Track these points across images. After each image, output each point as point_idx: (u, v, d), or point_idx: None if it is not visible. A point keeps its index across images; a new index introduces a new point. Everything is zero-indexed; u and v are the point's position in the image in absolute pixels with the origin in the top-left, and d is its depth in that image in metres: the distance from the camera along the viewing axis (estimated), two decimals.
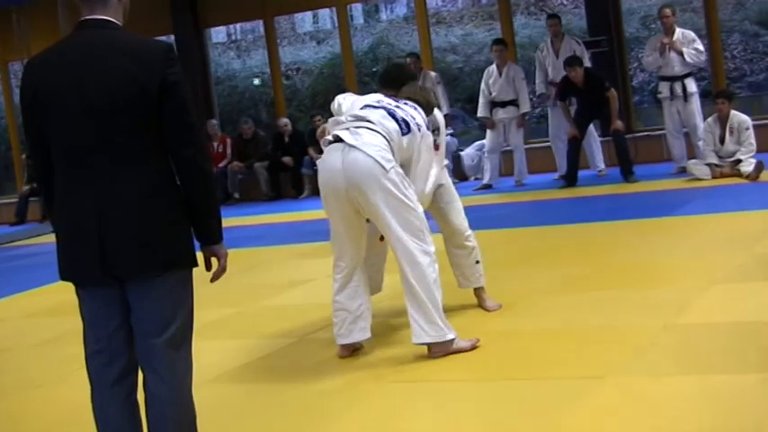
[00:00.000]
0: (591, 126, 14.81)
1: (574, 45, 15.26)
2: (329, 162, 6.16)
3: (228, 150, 18.63)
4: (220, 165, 18.48)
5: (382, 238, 6.36)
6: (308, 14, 26.82)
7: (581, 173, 14.35)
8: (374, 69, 24.60)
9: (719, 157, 12.85)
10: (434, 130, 6.61)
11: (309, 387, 5.81)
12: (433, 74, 16.25)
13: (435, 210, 6.86)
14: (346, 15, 19.71)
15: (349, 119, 6.25)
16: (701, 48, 13.88)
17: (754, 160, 12.47)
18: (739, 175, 12.43)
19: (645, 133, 16.22)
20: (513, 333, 6.38)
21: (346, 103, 6.69)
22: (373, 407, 5.36)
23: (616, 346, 5.75)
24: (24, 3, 18.92)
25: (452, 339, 6.00)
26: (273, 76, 20.17)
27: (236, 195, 18.47)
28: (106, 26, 3.98)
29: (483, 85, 15.48)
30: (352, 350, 6.36)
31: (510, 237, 10.45)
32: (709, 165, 12.82)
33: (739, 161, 12.60)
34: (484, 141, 15.89)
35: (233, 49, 27.58)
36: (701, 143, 13.28)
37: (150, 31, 3.97)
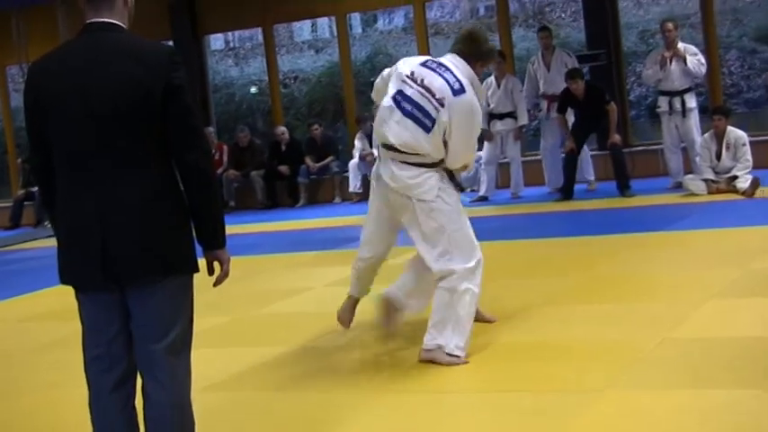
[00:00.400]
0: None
1: (565, 58, 15.29)
2: (379, 170, 6.50)
3: (225, 158, 18.61)
4: (217, 172, 18.46)
5: None
6: (307, 23, 26.87)
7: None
8: (372, 79, 24.59)
9: (716, 173, 12.87)
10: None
11: (307, 397, 5.80)
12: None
13: None
14: (345, 24, 19.73)
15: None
16: (703, 60, 13.91)
17: (750, 176, 12.48)
18: (735, 191, 12.44)
19: (641, 147, 16.25)
20: (511, 345, 6.37)
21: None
22: (373, 417, 5.35)
23: (614, 360, 5.75)
24: (24, 5, 18.89)
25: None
26: (271, 84, 20.16)
27: (232, 203, 18.44)
28: (112, 29, 3.97)
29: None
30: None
31: (506, 249, 10.42)
32: (705, 180, 12.84)
33: (736, 177, 12.62)
34: (481, 153, 15.89)
35: (231, 56, 27.62)
36: (698, 158, 13.28)
37: (149, 36, 3.95)
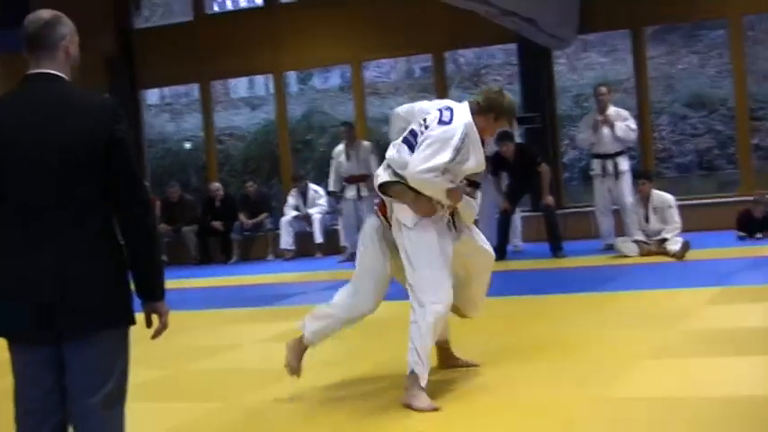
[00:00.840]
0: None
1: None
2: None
3: (157, 213, 18.53)
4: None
5: None
6: (244, 80, 26.91)
7: None
8: (307, 137, 24.68)
9: (647, 236, 13.01)
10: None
11: None
12: (366, 143, 16.36)
13: None
14: (282, 82, 19.79)
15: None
16: (634, 126, 14.10)
17: (680, 239, 12.63)
18: (666, 253, 12.58)
19: (574, 209, 16.41)
20: (443, 404, 6.36)
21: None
22: None
23: (546, 419, 5.75)
24: None
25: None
26: (207, 140, 20.15)
27: (164, 258, 18.32)
28: (54, 80, 3.95)
29: None
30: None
31: None
32: (636, 242, 12.98)
33: (666, 240, 12.76)
34: None
35: (167, 111, 27.58)
36: (629, 220, 13.43)
37: (86, 88, 3.95)
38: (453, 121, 6.27)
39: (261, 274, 15.46)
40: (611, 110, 14.12)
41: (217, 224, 18.14)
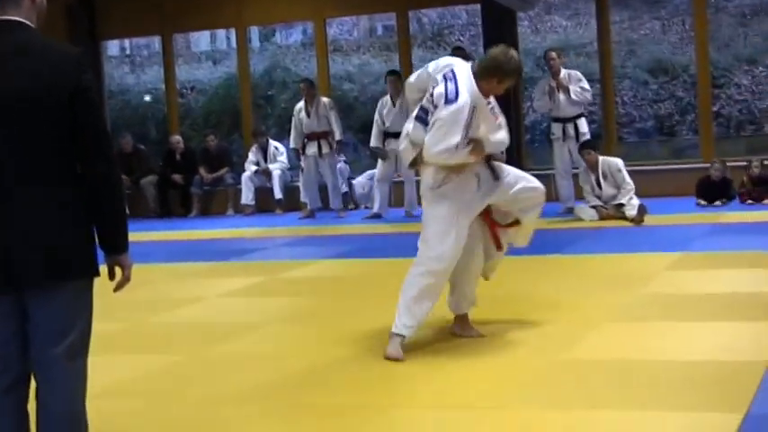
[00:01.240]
0: None
1: None
2: None
3: None
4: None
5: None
6: (205, 34, 26.74)
7: None
8: (269, 93, 24.58)
9: (603, 202, 13.06)
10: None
11: (201, 406, 5.75)
12: (325, 100, 16.26)
13: None
14: (245, 37, 19.68)
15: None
16: (587, 86, 14.10)
17: (636, 203, 12.67)
18: (625, 217, 12.63)
19: (536, 172, 16.41)
20: (402, 364, 6.38)
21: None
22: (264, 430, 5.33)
23: (508, 380, 5.81)
24: None
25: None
26: (168, 93, 20.01)
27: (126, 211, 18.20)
28: (18, 28, 3.89)
29: (377, 116, 15.56)
30: None
31: (397, 267, 10.47)
32: (595, 207, 13.04)
33: (622, 204, 12.80)
34: (374, 171, 15.97)
35: (127, 63, 27.38)
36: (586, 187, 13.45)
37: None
38: (459, 98, 6.35)
39: (221, 228, 15.42)
40: (563, 73, 14.11)
41: (177, 177, 18.05)
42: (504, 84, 6.60)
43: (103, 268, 4.03)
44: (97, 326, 4.10)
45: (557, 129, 14.22)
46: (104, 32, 19.87)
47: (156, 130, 23.88)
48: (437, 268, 6.60)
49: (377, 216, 15.31)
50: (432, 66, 6.80)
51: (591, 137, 14.20)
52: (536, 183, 6.91)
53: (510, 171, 6.82)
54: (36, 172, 3.81)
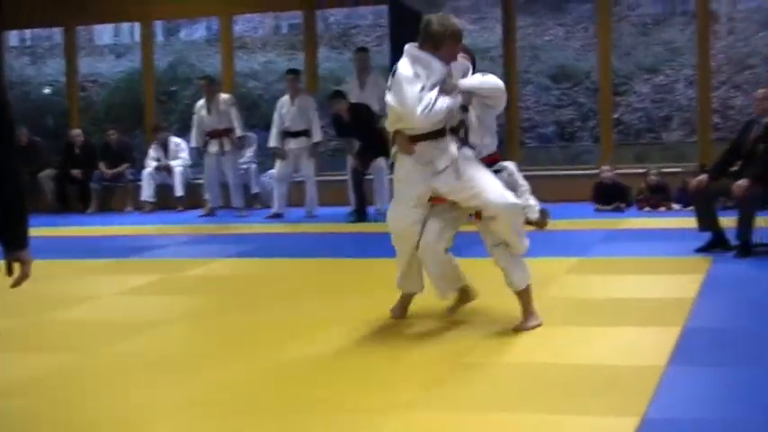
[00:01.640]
0: (382, 163, 14.84)
1: (380, 80, 15.35)
2: None
3: None
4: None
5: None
6: (109, 27, 26.48)
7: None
8: (172, 89, 24.41)
9: None
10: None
11: (101, 404, 5.68)
12: (225, 96, 16.15)
13: None
14: (150, 31, 19.48)
15: None
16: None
17: (537, 207, 12.69)
18: (528, 222, 12.64)
19: None
20: (299, 363, 6.38)
21: None
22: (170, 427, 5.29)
23: (403, 383, 5.81)
24: None
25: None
26: (69, 86, 19.75)
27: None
28: None
29: (276, 115, 15.56)
30: None
31: (297, 267, 10.50)
32: None
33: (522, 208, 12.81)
34: (273, 171, 15.96)
35: (27, 54, 27.03)
36: None
37: None
38: (398, 65, 6.94)
39: (120, 225, 15.28)
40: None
41: (76, 172, 17.82)
42: (444, 49, 6.98)
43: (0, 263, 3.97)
44: None
45: None
46: (4, 22, 19.54)
47: (56, 124, 23.58)
48: (392, 227, 7.31)
49: (278, 216, 15.27)
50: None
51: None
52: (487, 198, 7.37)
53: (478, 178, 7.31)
54: None
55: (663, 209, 14.10)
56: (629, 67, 23.98)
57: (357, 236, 13.25)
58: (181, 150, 17.48)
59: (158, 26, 25.13)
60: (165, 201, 17.20)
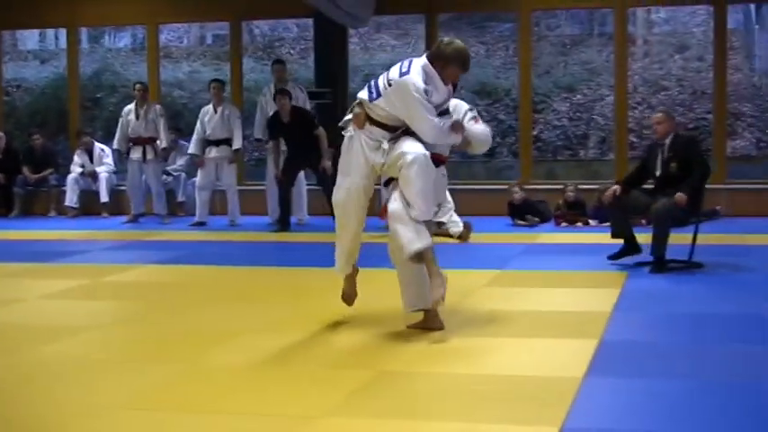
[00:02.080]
0: (301, 173, 15.07)
1: (297, 92, 15.52)
2: None
3: None
4: None
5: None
6: (34, 32, 26.32)
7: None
8: (97, 95, 24.32)
9: None
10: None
11: (29, 408, 5.67)
12: (158, 106, 16.31)
13: None
14: (75, 38, 19.44)
15: None
16: None
17: (458, 220, 12.82)
18: (449, 235, 12.75)
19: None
20: (220, 369, 6.44)
21: None
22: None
23: (325, 390, 5.84)
24: None
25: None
26: None
27: None
28: None
29: (198, 124, 15.66)
30: None
31: (219, 275, 10.56)
32: None
33: (443, 223, 12.90)
34: (196, 179, 16.02)
35: None
36: None
37: None
38: (410, 71, 7.12)
39: (43, 229, 15.24)
40: None
41: None
42: (450, 70, 7.31)
43: None
44: None
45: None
46: None
47: None
48: (335, 198, 7.61)
49: (201, 224, 15.34)
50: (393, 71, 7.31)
51: None
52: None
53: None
54: None
55: (580, 224, 14.36)
56: (548, 86, 24.29)
57: (280, 245, 13.37)
58: (105, 156, 17.49)
59: (84, 33, 25.04)
60: (90, 206, 17.20)
